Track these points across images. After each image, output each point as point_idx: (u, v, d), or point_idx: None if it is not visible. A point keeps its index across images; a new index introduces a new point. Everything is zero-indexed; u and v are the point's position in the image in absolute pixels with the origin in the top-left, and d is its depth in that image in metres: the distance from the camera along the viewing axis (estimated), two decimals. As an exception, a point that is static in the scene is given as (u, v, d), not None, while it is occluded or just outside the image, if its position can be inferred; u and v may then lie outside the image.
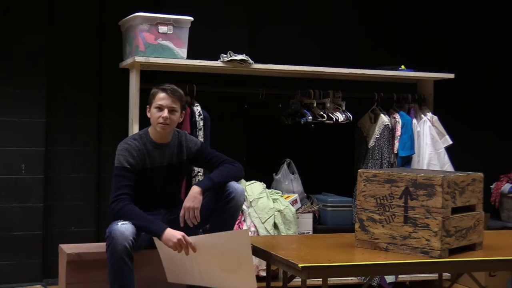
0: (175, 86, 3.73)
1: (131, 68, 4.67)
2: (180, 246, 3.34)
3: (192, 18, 4.62)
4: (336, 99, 5.14)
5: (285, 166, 5.15)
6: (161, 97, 3.64)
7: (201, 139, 4.57)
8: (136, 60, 4.47)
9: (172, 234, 3.35)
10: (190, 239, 3.34)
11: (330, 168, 5.45)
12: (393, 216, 3.57)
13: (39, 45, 4.85)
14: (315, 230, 4.99)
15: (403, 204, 3.54)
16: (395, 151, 5.10)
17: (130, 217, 3.42)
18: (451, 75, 5.34)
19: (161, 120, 3.61)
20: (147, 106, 3.72)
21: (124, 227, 3.35)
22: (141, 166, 3.63)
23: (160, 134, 3.67)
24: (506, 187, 5.83)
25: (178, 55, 4.60)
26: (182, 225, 3.55)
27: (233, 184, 3.69)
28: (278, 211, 4.73)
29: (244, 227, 4.66)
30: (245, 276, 3.33)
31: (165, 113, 3.61)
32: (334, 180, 5.38)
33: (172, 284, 3.77)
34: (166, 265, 3.54)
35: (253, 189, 4.80)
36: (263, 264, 4.44)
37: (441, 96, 5.52)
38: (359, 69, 5.07)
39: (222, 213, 3.64)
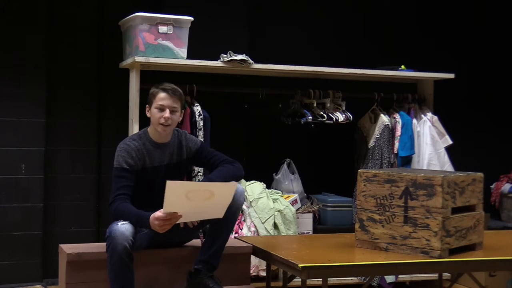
0: (175, 85, 3.73)
1: (131, 68, 4.67)
2: (164, 226, 3.36)
3: (192, 18, 4.62)
4: (336, 99, 5.14)
5: (285, 166, 5.15)
6: (162, 97, 3.63)
7: (201, 139, 4.57)
8: (136, 60, 4.47)
9: (152, 224, 3.38)
10: (163, 210, 3.34)
11: (330, 168, 5.45)
12: (393, 216, 3.57)
13: (39, 45, 4.85)
14: (315, 230, 4.99)
15: (403, 204, 3.54)
16: (395, 151, 5.10)
17: (121, 216, 3.43)
18: (451, 75, 5.34)
19: (162, 120, 3.61)
20: (147, 105, 3.71)
21: (124, 227, 3.36)
22: (140, 166, 3.63)
23: (160, 134, 3.66)
24: (506, 187, 5.83)
25: (178, 55, 4.60)
26: (182, 226, 3.55)
27: (233, 184, 3.68)
28: (278, 211, 4.73)
29: (244, 227, 4.66)
30: (222, 189, 3.38)
31: (167, 113, 3.61)
32: (334, 180, 5.38)
33: (172, 283, 3.77)
34: (197, 219, 3.55)
35: (253, 189, 4.80)
36: (263, 264, 4.45)
37: (441, 96, 5.53)
38: (359, 69, 5.07)
39: (222, 213, 3.64)
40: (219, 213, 3.47)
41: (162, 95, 3.64)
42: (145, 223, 3.40)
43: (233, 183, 3.46)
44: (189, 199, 3.31)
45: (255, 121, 5.34)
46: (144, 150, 3.65)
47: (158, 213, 3.36)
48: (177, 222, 3.43)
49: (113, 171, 3.61)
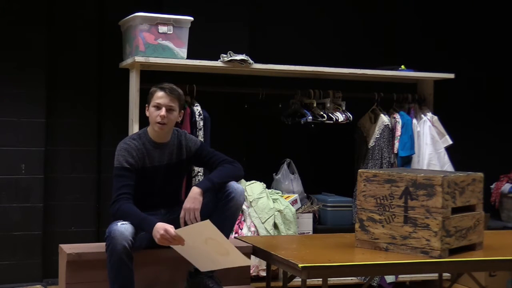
0: (174, 85, 3.73)
1: (131, 68, 4.67)
2: (165, 240, 3.34)
3: (192, 18, 4.62)
4: (336, 99, 5.14)
5: (285, 166, 5.15)
6: (159, 96, 3.64)
7: (201, 139, 4.57)
8: (136, 60, 4.48)
9: (156, 230, 3.35)
10: (177, 231, 3.33)
11: (330, 168, 5.45)
12: (393, 216, 3.57)
13: (39, 45, 4.85)
14: (315, 230, 4.99)
15: (403, 204, 3.54)
16: (395, 151, 5.10)
17: (125, 216, 3.42)
18: (451, 75, 5.34)
19: (158, 119, 3.61)
20: (146, 105, 3.72)
21: (123, 227, 3.35)
22: (140, 166, 3.63)
23: (158, 133, 3.66)
24: (506, 187, 5.83)
25: (178, 55, 4.60)
26: (182, 225, 3.55)
27: (233, 184, 3.68)
28: (278, 211, 4.73)
29: (244, 227, 4.66)
30: (236, 256, 3.35)
31: (163, 111, 3.61)
32: (334, 180, 5.38)
33: (172, 283, 3.77)
34: (184, 255, 3.55)
35: (253, 189, 4.80)
36: (263, 264, 4.45)
37: (441, 96, 5.52)
38: (359, 69, 5.07)
39: (222, 213, 3.64)
40: (206, 267, 3.51)
41: (159, 93, 3.64)
42: (149, 227, 3.38)
43: (248, 260, 3.44)
44: (206, 243, 3.32)
45: (255, 121, 5.34)
46: (144, 149, 3.65)
47: (169, 227, 3.33)
48: (172, 245, 3.40)
49: (113, 170, 3.60)
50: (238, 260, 3.38)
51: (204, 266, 3.54)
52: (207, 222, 3.26)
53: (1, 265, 4.75)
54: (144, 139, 3.68)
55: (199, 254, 3.44)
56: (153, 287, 3.75)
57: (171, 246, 3.40)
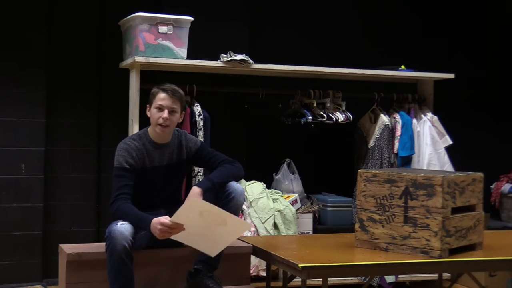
0: (176, 86, 3.73)
1: (131, 68, 4.67)
2: (164, 232, 3.33)
3: (192, 18, 4.62)
4: (336, 99, 5.14)
5: (285, 166, 5.15)
6: (162, 98, 3.63)
7: (201, 139, 4.57)
8: (136, 60, 4.47)
9: (153, 226, 3.35)
10: (171, 219, 3.32)
11: (330, 168, 5.45)
12: (393, 216, 3.57)
13: (39, 45, 4.85)
14: (315, 230, 4.99)
15: (403, 204, 3.54)
16: (395, 151, 5.10)
17: (123, 216, 3.42)
18: (451, 75, 5.34)
19: (161, 120, 3.60)
20: (147, 105, 3.71)
21: (123, 227, 3.35)
22: (140, 166, 3.63)
23: (159, 135, 3.66)
24: (506, 187, 5.83)
25: (178, 55, 4.60)
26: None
27: (233, 184, 3.68)
28: (278, 211, 4.73)
29: (244, 227, 4.66)
30: (235, 223, 3.37)
31: (165, 113, 3.60)
32: (334, 180, 5.38)
33: (172, 283, 3.77)
34: (190, 244, 3.54)
35: (253, 189, 4.80)
36: (263, 264, 4.45)
37: (441, 96, 5.52)
38: (359, 69, 5.07)
39: (222, 213, 3.64)
40: (214, 249, 3.48)
41: (162, 95, 3.63)
42: (146, 225, 3.38)
43: (248, 223, 3.43)
44: (202, 216, 3.30)
45: (255, 121, 5.34)
46: (144, 150, 3.65)
47: (163, 219, 3.33)
48: (172, 238, 3.38)
49: (113, 170, 3.60)
50: (238, 227, 3.37)
51: (212, 249, 3.49)
52: (194, 199, 3.25)
53: (1, 265, 4.75)
54: (145, 139, 3.68)
55: (202, 236, 3.40)
56: (153, 287, 3.75)
57: (174, 238, 3.38)
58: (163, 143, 3.71)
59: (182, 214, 3.31)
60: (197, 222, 3.33)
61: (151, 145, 3.68)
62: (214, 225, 3.35)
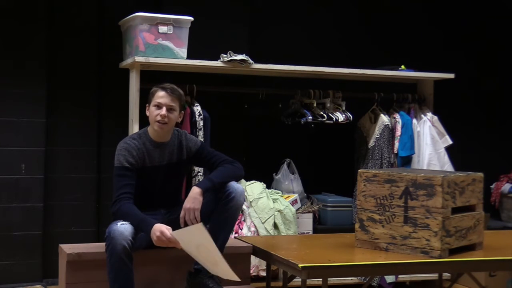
0: (175, 85, 3.73)
1: (131, 68, 4.67)
2: (161, 242, 3.34)
3: (192, 18, 4.62)
4: (336, 99, 5.14)
5: (285, 166, 5.15)
6: (160, 95, 3.64)
7: (201, 139, 4.57)
8: (136, 60, 4.47)
9: (153, 231, 3.35)
10: (173, 233, 3.33)
11: (330, 168, 5.45)
12: (393, 216, 3.57)
13: (39, 45, 4.85)
14: (315, 230, 4.99)
15: (403, 204, 3.54)
16: (395, 151, 5.10)
17: (125, 217, 3.42)
18: (451, 75, 5.34)
19: (158, 117, 3.61)
20: (147, 105, 3.72)
21: (123, 227, 3.35)
22: (140, 165, 3.63)
23: (158, 132, 3.66)
24: (506, 187, 5.83)
25: (178, 55, 4.60)
26: (182, 226, 3.55)
27: (233, 184, 3.68)
28: (278, 211, 4.73)
29: (244, 227, 4.66)
30: (224, 269, 3.32)
31: (163, 111, 3.61)
32: (334, 180, 5.38)
33: (172, 283, 3.77)
34: (189, 254, 3.54)
35: (253, 189, 4.80)
36: (263, 264, 4.45)
37: (441, 96, 5.52)
38: (359, 69, 5.07)
39: (222, 213, 3.64)
40: (211, 268, 3.49)
41: (160, 93, 3.64)
42: (147, 228, 3.38)
43: (236, 277, 3.39)
44: (198, 249, 3.34)
45: (255, 121, 5.34)
46: (144, 149, 3.65)
47: (165, 229, 3.34)
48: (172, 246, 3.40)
49: (114, 170, 3.60)
50: (227, 273, 3.35)
51: (206, 266, 3.53)
52: (200, 225, 3.25)
53: (1, 265, 4.75)
54: (144, 138, 3.69)
55: (198, 255, 3.44)
56: (153, 287, 3.75)
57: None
58: (163, 141, 3.71)
59: (183, 234, 3.31)
60: (193, 248, 3.37)
61: (151, 144, 3.68)
62: (206, 259, 3.39)
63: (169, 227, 3.35)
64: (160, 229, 3.33)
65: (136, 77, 4.55)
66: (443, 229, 3.44)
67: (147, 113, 3.71)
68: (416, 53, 5.73)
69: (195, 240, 3.30)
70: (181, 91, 3.73)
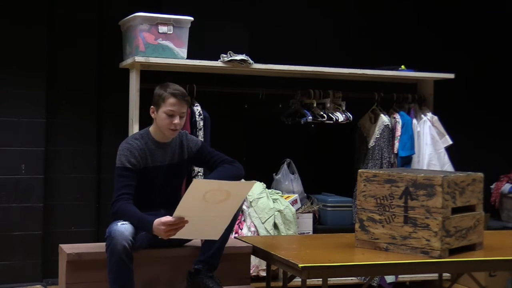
0: (180, 87, 3.70)
1: (131, 68, 4.67)
2: (170, 231, 3.32)
3: (192, 18, 4.62)
4: (336, 99, 5.14)
5: (285, 166, 5.15)
6: (172, 103, 3.60)
7: (201, 139, 4.57)
8: (136, 60, 4.47)
9: (156, 228, 3.33)
10: (174, 213, 3.30)
11: (330, 168, 5.45)
12: (393, 216, 3.57)
13: (39, 45, 4.85)
14: (315, 230, 4.99)
15: (403, 204, 3.54)
16: (395, 151, 5.10)
17: (124, 217, 3.42)
18: (451, 75, 5.34)
19: (172, 126, 3.59)
20: (152, 106, 3.67)
21: (123, 227, 3.35)
22: (143, 166, 3.63)
23: (168, 137, 3.67)
24: (506, 187, 5.83)
25: (178, 55, 4.60)
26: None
27: (233, 184, 3.68)
28: (278, 211, 4.73)
29: (244, 227, 4.66)
30: (239, 188, 3.33)
31: (177, 119, 3.59)
32: (334, 180, 5.38)
33: (172, 283, 3.77)
34: (196, 236, 3.50)
35: (253, 189, 4.80)
36: (263, 264, 4.45)
37: (441, 96, 5.53)
38: (359, 69, 5.07)
39: (222, 213, 3.64)
40: (218, 230, 3.43)
41: (172, 100, 3.60)
42: (148, 227, 3.37)
43: (252, 181, 3.37)
44: (205, 199, 3.25)
45: (255, 121, 5.34)
46: (146, 149, 3.65)
47: (165, 219, 3.31)
48: (174, 237, 3.37)
49: (115, 170, 3.60)
50: (243, 189, 3.33)
51: (217, 231, 3.44)
52: (196, 180, 3.21)
53: (1, 265, 4.75)
54: (147, 138, 3.68)
55: (206, 221, 3.36)
56: (153, 287, 3.75)
57: (179, 235, 3.36)
58: (165, 142, 3.71)
59: (185, 204, 3.27)
60: (200, 207, 3.27)
61: (153, 144, 3.68)
62: (218, 204, 3.29)
63: (167, 216, 3.32)
64: (161, 222, 3.32)
65: (136, 77, 4.55)
66: (443, 229, 3.44)
67: (153, 115, 3.67)
68: (416, 53, 5.73)
69: (198, 197, 3.22)
70: (186, 93, 3.73)
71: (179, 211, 3.29)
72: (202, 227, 3.40)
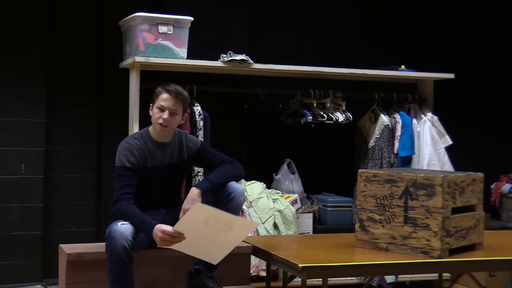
0: (180, 87, 3.70)
1: (131, 68, 4.67)
2: (165, 241, 3.32)
3: (192, 18, 4.62)
4: (336, 99, 5.13)
5: (285, 166, 5.15)
6: (164, 98, 3.62)
7: (201, 139, 4.57)
8: (136, 60, 4.47)
9: (155, 233, 3.33)
10: (175, 226, 3.30)
11: (330, 168, 5.45)
12: (393, 216, 3.57)
13: (39, 45, 4.85)
14: (315, 230, 4.99)
15: (403, 204, 3.54)
16: (395, 151, 5.10)
17: (125, 217, 3.42)
18: (451, 75, 5.34)
19: (160, 121, 3.60)
20: (150, 104, 3.69)
21: (123, 227, 3.35)
22: (142, 165, 3.63)
23: (159, 133, 3.66)
24: (506, 187, 5.83)
25: (178, 55, 4.60)
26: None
27: (233, 184, 3.68)
28: (278, 211, 4.73)
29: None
30: (241, 225, 3.34)
31: (166, 115, 3.60)
32: (334, 180, 5.38)
33: (172, 283, 3.77)
34: (192, 253, 3.51)
35: (253, 189, 4.80)
36: (263, 264, 4.45)
37: (441, 96, 5.53)
38: (359, 69, 5.07)
39: (222, 213, 3.64)
40: (216, 256, 3.44)
41: (164, 96, 3.62)
42: (148, 230, 3.37)
43: (254, 222, 3.37)
44: (207, 224, 3.26)
45: (255, 121, 5.34)
46: (145, 149, 3.65)
47: (165, 227, 3.31)
48: (172, 247, 3.37)
49: (115, 170, 3.60)
50: (245, 227, 3.33)
51: (214, 256, 3.47)
52: (198, 204, 3.23)
53: (1, 265, 4.75)
54: (146, 138, 3.68)
55: (204, 244, 3.38)
56: (153, 287, 3.75)
57: (174, 247, 3.37)
58: (164, 142, 3.71)
59: (186, 222, 3.28)
60: (200, 230, 3.29)
61: (152, 144, 3.68)
62: (218, 232, 3.31)
63: (169, 226, 3.34)
64: (161, 228, 3.32)
65: (136, 77, 4.55)
66: (443, 229, 3.44)
67: (150, 113, 3.69)
68: (416, 53, 5.73)
69: (200, 220, 3.24)
70: (185, 94, 3.70)
71: (179, 226, 3.30)
72: (201, 249, 3.42)
